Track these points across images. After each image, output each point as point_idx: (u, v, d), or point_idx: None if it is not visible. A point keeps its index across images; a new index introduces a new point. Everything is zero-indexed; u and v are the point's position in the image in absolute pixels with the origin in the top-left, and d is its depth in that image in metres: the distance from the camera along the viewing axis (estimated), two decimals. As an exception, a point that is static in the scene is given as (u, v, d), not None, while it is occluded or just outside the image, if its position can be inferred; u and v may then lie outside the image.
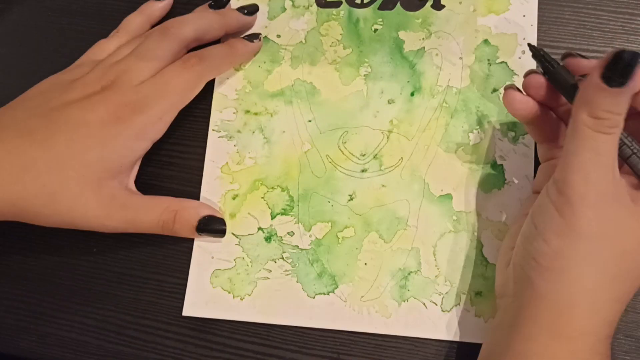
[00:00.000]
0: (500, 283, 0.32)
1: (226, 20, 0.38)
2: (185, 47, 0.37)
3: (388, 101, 0.38)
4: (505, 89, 0.32)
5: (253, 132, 0.38)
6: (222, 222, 0.36)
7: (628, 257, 0.28)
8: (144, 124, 0.34)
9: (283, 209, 0.37)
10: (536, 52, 0.31)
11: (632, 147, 0.28)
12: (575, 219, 0.27)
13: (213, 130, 0.39)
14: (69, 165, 0.33)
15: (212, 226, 0.36)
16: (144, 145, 0.35)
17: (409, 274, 0.35)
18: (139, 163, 0.37)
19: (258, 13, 0.40)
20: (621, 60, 0.26)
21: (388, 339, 0.35)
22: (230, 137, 0.38)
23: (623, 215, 0.28)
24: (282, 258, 0.36)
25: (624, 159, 0.29)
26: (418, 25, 0.39)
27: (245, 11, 0.39)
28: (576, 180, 0.27)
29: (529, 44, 0.32)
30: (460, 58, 0.38)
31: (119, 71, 0.35)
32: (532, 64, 0.37)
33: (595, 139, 0.27)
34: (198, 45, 0.38)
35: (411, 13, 0.39)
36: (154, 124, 0.35)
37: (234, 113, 0.39)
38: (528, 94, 0.31)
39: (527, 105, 0.31)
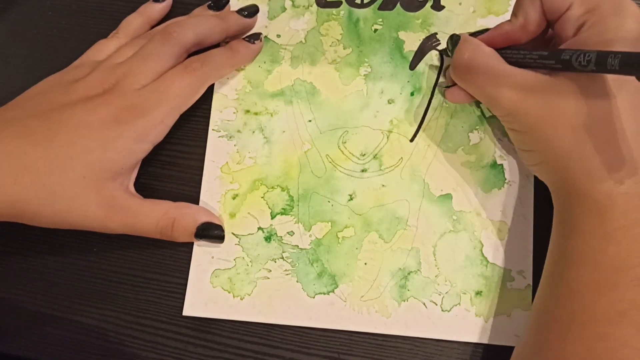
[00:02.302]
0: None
1: (227, 25, 0.38)
2: (186, 51, 0.37)
3: (388, 101, 0.38)
4: (445, 93, 0.37)
5: (253, 132, 0.38)
6: (220, 228, 0.36)
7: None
8: (145, 127, 0.34)
9: (283, 208, 0.37)
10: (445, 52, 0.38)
11: (527, 49, 0.32)
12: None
13: (213, 130, 0.39)
14: (69, 166, 0.33)
15: (211, 232, 0.36)
16: (145, 148, 0.35)
17: (409, 273, 0.35)
18: (139, 165, 0.37)
19: (258, 13, 0.40)
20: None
21: (388, 339, 0.35)
22: (230, 137, 0.38)
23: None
24: (282, 258, 0.36)
25: (531, 63, 0.31)
26: (418, 25, 0.39)
27: (246, 13, 0.39)
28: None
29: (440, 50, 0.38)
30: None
31: (121, 74, 0.35)
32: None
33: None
34: (199, 49, 0.38)
35: (411, 13, 0.39)
36: (156, 127, 0.35)
37: (234, 113, 0.39)
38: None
39: (458, 93, 0.36)
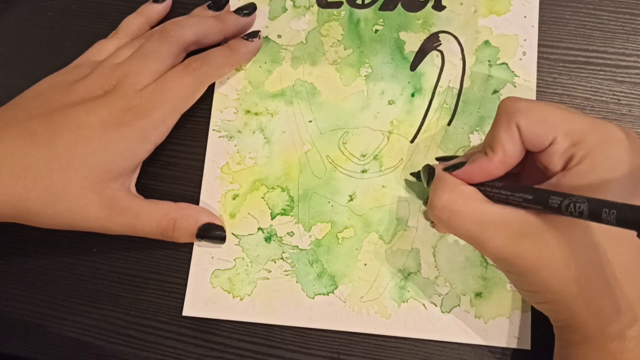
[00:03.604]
0: None
1: (225, 25, 0.38)
2: (184, 50, 0.37)
3: (388, 102, 0.38)
4: (432, 226, 0.35)
5: (253, 132, 0.38)
6: (221, 229, 0.36)
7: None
8: (146, 128, 0.34)
9: (283, 209, 0.37)
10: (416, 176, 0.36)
11: (511, 189, 0.29)
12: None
13: (213, 130, 0.39)
14: (71, 166, 0.33)
15: (212, 233, 0.36)
16: (147, 148, 0.35)
17: (408, 274, 0.35)
18: (140, 166, 0.37)
19: (259, 13, 0.40)
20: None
21: (387, 340, 0.35)
22: (230, 137, 0.38)
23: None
24: (282, 258, 0.36)
25: (515, 204, 0.29)
26: (419, 26, 0.39)
27: (244, 12, 0.39)
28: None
29: (411, 174, 0.36)
30: (461, 59, 0.38)
31: (121, 75, 0.35)
32: (533, 65, 0.37)
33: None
34: (197, 49, 0.38)
35: (412, 14, 0.39)
36: (157, 127, 0.35)
37: (235, 113, 0.39)
38: None
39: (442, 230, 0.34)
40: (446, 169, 0.31)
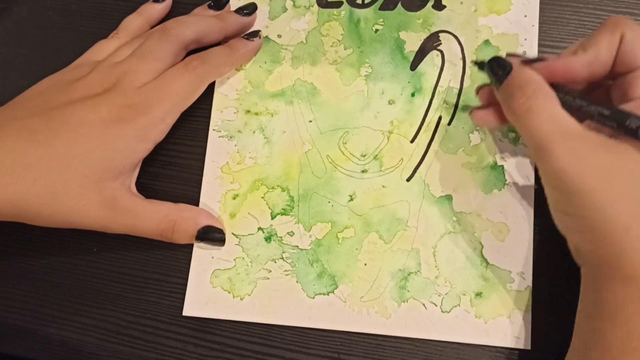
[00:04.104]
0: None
1: (225, 24, 0.38)
2: (184, 48, 0.37)
3: (389, 102, 0.38)
4: (470, 112, 0.35)
5: (253, 132, 0.38)
6: (221, 231, 0.36)
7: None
8: (146, 126, 0.34)
9: (283, 209, 0.37)
10: (481, 66, 0.33)
11: (588, 100, 0.29)
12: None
13: (213, 130, 0.39)
14: (70, 165, 0.33)
15: (211, 236, 0.36)
16: (147, 147, 0.35)
17: (408, 274, 0.35)
18: (140, 165, 0.37)
19: (259, 13, 0.40)
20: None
21: (388, 340, 0.35)
22: (230, 137, 0.38)
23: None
24: (282, 258, 0.36)
25: (587, 116, 0.29)
26: (419, 25, 0.39)
27: (244, 11, 0.39)
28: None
29: (473, 62, 0.34)
30: (461, 59, 0.38)
31: (121, 73, 0.35)
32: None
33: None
34: (197, 48, 0.38)
35: (412, 13, 0.39)
36: (157, 125, 0.35)
37: (235, 113, 0.39)
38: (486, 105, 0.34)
39: (488, 117, 0.34)
40: (526, 62, 0.31)
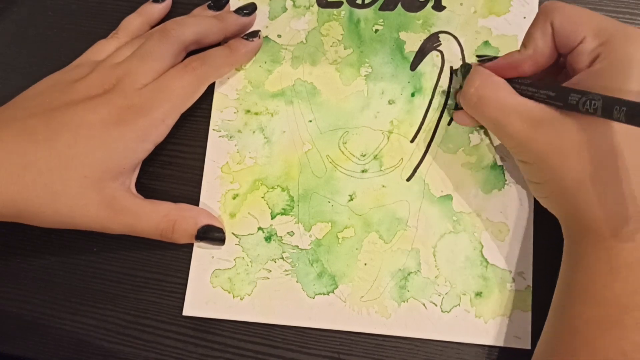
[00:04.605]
0: None
1: (225, 25, 0.38)
2: (184, 49, 0.37)
3: (388, 102, 0.38)
4: (452, 115, 0.37)
5: (253, 132, 0.38)
6: (221, 231, 0.36)
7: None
8: (146, 127, 0.34)
9: (283, 209, 0.37)
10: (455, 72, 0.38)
11: (536, 84, 0.31)
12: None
13: (213, 129, 0.39)
14: (70, 165, 0.33)
15: (211, 235, 0.36)
16: (147, 147, 0.35)
17: (408, 274, 0.35)
18: (139, 165, 0.37)
19: (259, 13, 0.40)
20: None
21: (388, 339, 0.35)
22: (230, 137, 0.38)
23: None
24: (282, 258, 0.36)
25: (541, 101, 0.31)
26: (419, 26, 0.39)
27: (244, 12, 0.39)
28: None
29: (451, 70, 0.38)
30: (461, 59, 0.38)
31: (121, 74, 0.35)
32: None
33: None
34: (197, 49, 0.38)
35: (412, 14, 0.39)
36: (157, 126, 0.35)
37: (235, 113, 0.39)
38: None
39: (465, 117, 0.36)
40: (480, 61, 0.35)
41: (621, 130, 0.28)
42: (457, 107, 0.37)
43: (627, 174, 0.28)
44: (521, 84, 0.32)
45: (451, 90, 0.38)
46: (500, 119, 0.31)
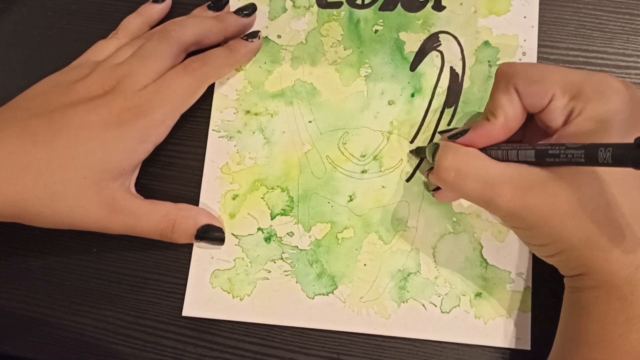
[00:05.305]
0: None
1: (225, 26, 0.38)
2: (184, 50, 0.37)
3: (388, 102, 0.38)
4: (433, 195, 0.36)
5: (253, 133, 0.38)
6: (220, 230, 0.36)
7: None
8: (146, 128, 0.34)
9: (283, 209, 0.37)
10: (416, 152, 0.37)
11: (513, 147, 0.30)
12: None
13: (213, 130, 0.39)
14: (70, 166, 0.33)
15: (211, 235, 0.36)
16: (146, 148, 0.35)
17: (408, 275, 0.35)
18: (139, 166, 0.37)
19: (259, 13, 0.40)
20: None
21: (387, 340, 0.35)
22: (230, 137, 0.38)
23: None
24: (282, 258, 0.36)
25: (516, 159, 0.30)
26: (419, 26, 0.39)
27: (244, 12, 0.39)
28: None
29: (410, 151, 0.37)
30: (461, 59, 0.38)
31: (121, 75, 0.35)
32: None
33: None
34: (197, 50, 0.38)
35: (412, 14, 0.39)
36: (157, 127, 0.35)
37: (235, 113, 0.39)
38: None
39: (447, 195, 0.35)
40: (451, 137, 0.32)
41: (613, 181, 0.27)
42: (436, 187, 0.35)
43: (629, 223, 0.27)
44: (496, 150, 0.30)
45: (421, 172, 0.37)
46: (486, 191, 0.29)
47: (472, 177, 0.30)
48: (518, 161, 0.29)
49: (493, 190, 0.29)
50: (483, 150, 0.31)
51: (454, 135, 0.32)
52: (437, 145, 0.32)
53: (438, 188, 0.34)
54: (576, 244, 0.28)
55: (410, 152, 0.37)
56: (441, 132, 0.36)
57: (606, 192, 0.27)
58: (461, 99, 0.37)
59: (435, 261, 0.35)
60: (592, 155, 0.24)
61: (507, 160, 0.30)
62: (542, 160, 0.28)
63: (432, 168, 0.33)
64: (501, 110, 0.30)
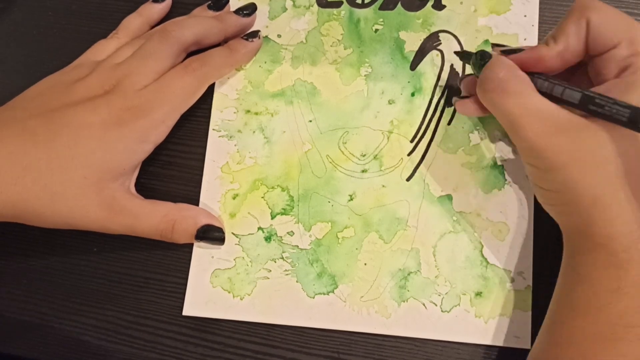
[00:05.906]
0: None
1: (225, 25, 0.38)
2: (184, 50, 0.37)
3: (388, 101, 0.38)
4: (454, 102, 0.36)
5: (253, 132, 0.38)
6: (220, 230, 0.36)
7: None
8: (146, 128, 0.34)
9: (283, 208, 0.37)
10: (463, 55, 0.36)
11: (561, 84, 0.30)
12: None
13: (213, 129, 0.39)
14: (70, 166, 0.33)
15: (211, 235, 0.36)
16: (146, 148, 0.35)
17: (408, 274, 0.35)
18: (139, 166, 0.37)
19: (259, 13, 0.40)
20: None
21: (388, 339, 0.35)
22: (230, 137, 0.38)
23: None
24: (282, 258, 0.36)
25: (559, 96, 0.30)
26: (419, 25, 0.39)
27: (244, 12, 0.39)
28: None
29: (455, 52, 0.37)
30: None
31: (121, 75, 0.35)
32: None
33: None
34: (197, 49, 0.38)
35: (412, 13, 0.39)
36: (157, 127, 0.35)
37: (235, 113, 0.39)
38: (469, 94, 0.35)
39: (470, 106, 0.34)
40: (504, 52, 0.32)
41: None
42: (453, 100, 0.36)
43: None
44: (544, 81, 0.30)
45: (459, 75, 0.37)
46: (520, 117, 0.29)
47: (513, 99, 0.30)
48: (560, 99, 0.29)
49: (526, 119, 0.29)
50: (531, 76, 0.31)
51: (509, 51, 0.32)
52: (485, 54, 0.32)
53: (464, 98, 0.34)
54: (586, 198, 0.28)
55: (455, 52, 0.37)
56: (494, 45, 0.36)
57: (630, 158, 0.28)
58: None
59: (435, 260, 0.35)
60: (635, 119, 0.24)
61: (551, 94, 0.30)
62: (585, 106, 0.28)
63: (467, 75, 0.33)
64: (564, 37, 0.30)
